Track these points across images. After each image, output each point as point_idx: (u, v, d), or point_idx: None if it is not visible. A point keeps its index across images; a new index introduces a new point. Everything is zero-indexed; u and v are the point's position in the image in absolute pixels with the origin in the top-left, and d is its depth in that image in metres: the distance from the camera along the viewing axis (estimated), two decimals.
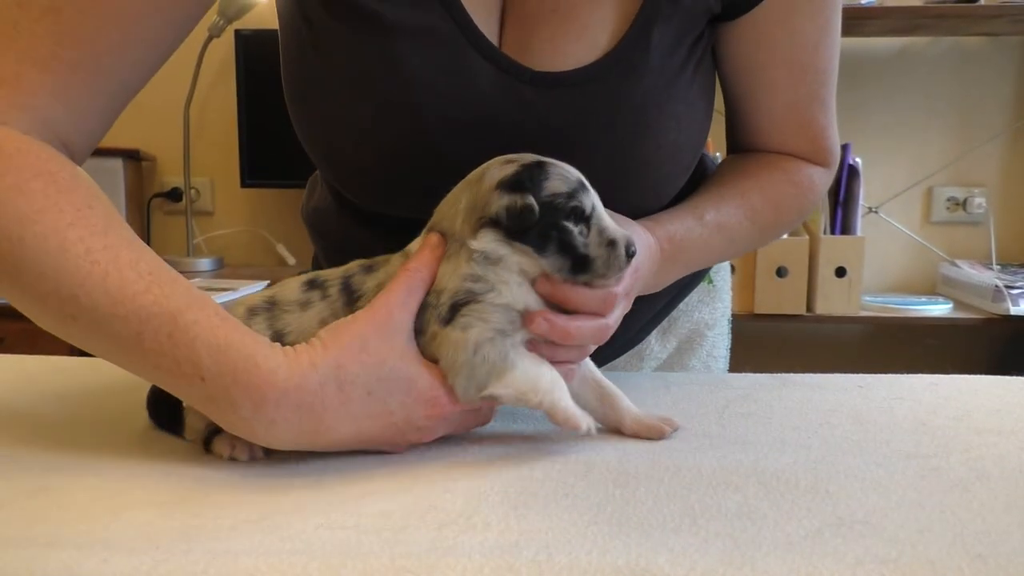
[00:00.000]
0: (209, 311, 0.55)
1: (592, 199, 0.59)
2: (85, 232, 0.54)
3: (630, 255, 0.59)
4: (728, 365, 0.98)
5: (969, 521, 0.48)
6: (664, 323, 0.91)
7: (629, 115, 0.70)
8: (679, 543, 0.46)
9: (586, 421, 0.59)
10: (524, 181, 0.57)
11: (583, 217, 0.58)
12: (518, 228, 0.57)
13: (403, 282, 0.58)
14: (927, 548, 0.45)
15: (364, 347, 0.55)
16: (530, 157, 0.59)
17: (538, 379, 0.58)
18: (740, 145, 0.84)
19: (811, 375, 0.82)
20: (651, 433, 0.63)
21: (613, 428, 0.65)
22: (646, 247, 0.70)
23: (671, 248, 0.73)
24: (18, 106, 0.58)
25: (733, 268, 1.52)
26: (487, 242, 0.57)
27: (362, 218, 0.78)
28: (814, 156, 0.82)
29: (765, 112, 0.80)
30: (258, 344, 0.55)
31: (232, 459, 0.59)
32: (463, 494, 0.53)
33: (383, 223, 0.75)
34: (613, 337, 0.63)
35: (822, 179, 0.83)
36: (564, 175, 0.59)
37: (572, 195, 0.58)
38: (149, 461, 0.59)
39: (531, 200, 0.56)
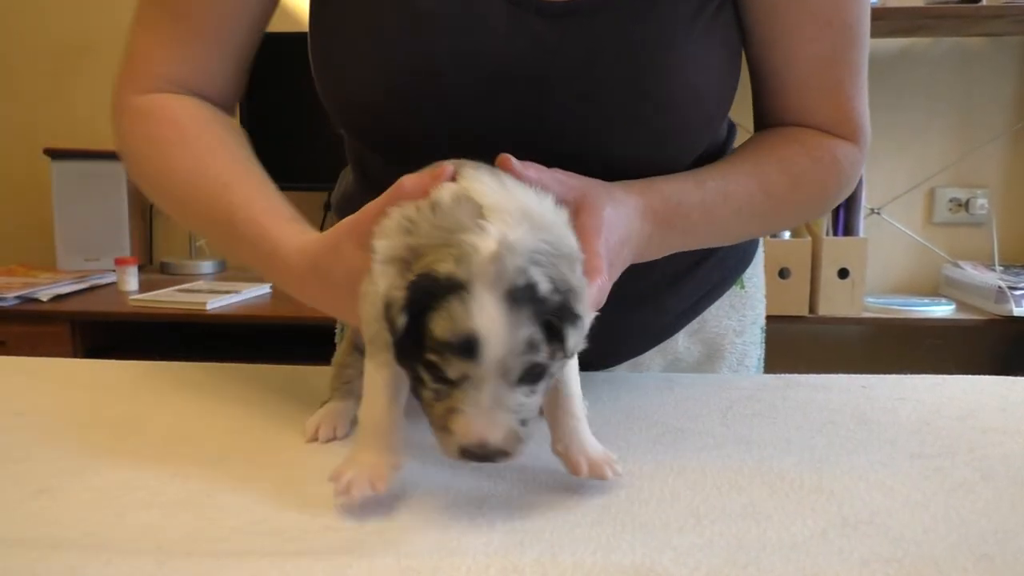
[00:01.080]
0: (256, 211, 0.67)
1: (471, 370, 0.46)
2: (203, 165, 0.71)
3: (474, 456, 0.48)
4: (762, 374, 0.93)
5: (974, 521, 0.48)
6: (694, 325, 0.87)
7: (641, 51, 0.68)
8: (684, 543, 0.46)
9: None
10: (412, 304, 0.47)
11: (442, 379, 0.47)
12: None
13: (389, 195, 0.56)
14: (932, 548, 0.45)
15: (337, 248, 0.59)
16: (444, 272, 0.46)
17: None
18: (763, 118, 0.80)
19: (814, 376, 0.82)
20: (576, 470, 0.54)
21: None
22: (632, 210, 0.64)
23: (666, 211, 0.67)
24: (161, 76, 0.75)
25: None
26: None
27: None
28: (839, 127, 0.76)
29: (787, 70, 0.75)
30: (280, 239, 0.65)
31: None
32: (467, 495, 0.53)
33: None
34: (641, 328, 0.63)
35: (848, 156, 0.76)
36: (454, 317, 0.46)
37: (444, 347, 0.46)
38: (152, 463, 0.59)
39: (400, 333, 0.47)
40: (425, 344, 0.46)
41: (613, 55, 0.68)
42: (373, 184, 0.82)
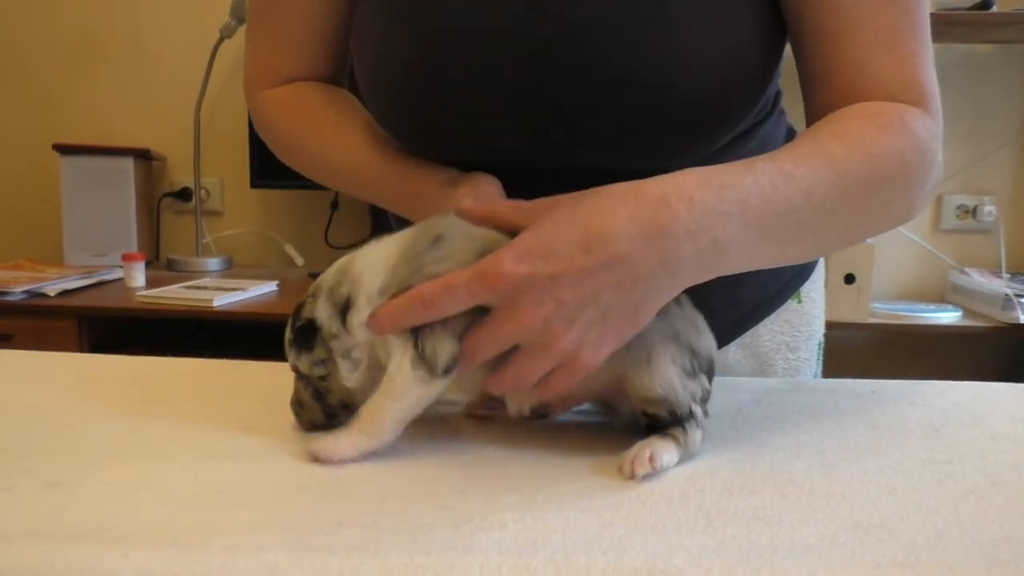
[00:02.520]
0: (393, 168, 0.76)
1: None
2: (322, 139, 0.80)
3: None
4: None
5: (987, 527, 0.48)
6: (746, 338, 0.84)
7: (659, 13, 0.64)
8: (695, 544, 0.46)
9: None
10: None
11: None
12: None
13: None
14: (945, 553, 0.45)
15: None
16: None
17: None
18: (812, 96, 0.70)
19: (823, 380, 0.82)
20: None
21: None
22: (613, 202, 0.54)
23: (702, 194, 0.55)
24: (266, 74, 0.84)
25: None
26: None
27: None
28: (904, 92, 0.65)
29: (838, 20, 0.65)
30: (423, 186, 0.73)
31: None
32: (478, 495, 0.53)
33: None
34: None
35: (920, 123, 0.64)
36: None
37: None
38: (164, 458, 0.59)
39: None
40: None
41: (615, 11, 0.65)
42: None
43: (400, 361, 0.57)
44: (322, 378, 0.61)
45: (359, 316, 0.59)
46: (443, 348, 0.56)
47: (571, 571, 0.43)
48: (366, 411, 0.59)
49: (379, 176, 0.77)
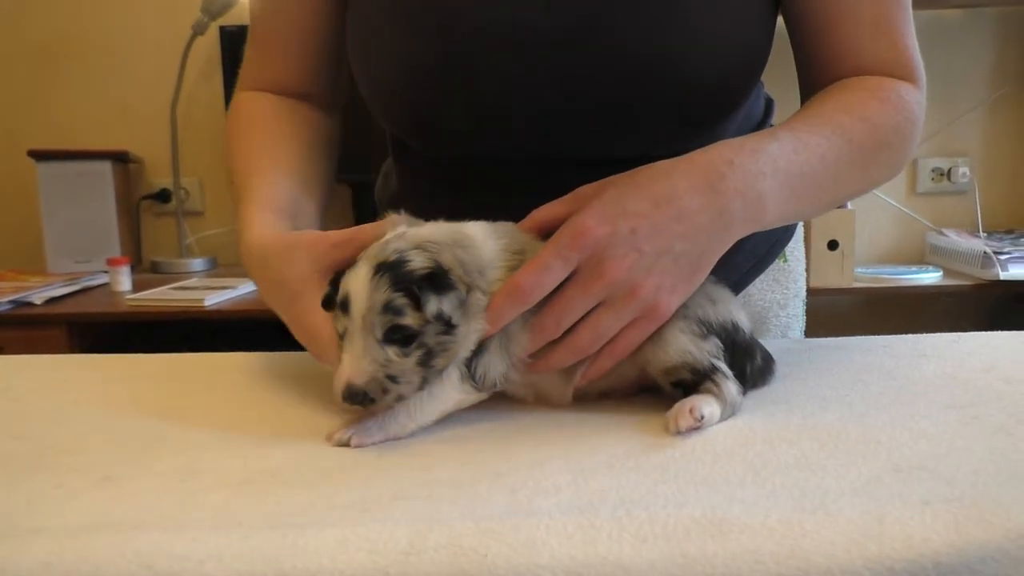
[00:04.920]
0: (255, 197, 0.73)
1: (348, 323, 0.58)
2: (243, 155, 0.80)
3: (345, 397, 0.57)
4: None
5: (1021, 461, 0.50)
6: (740, 298, 0.85)
7: (665, 6, 0.67)
8: (748, 495, 0.47)
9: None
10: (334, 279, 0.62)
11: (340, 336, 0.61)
12: None
13: (348, 234, 0.63)
14: (987, 487, 0.47)
15: (292, 253, 0.64)
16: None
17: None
18: (812, 77, 0.76)
19: (835, 338, 0.84)
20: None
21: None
22: (666, 172, 0.60)
23: (740, 158, 0.61)
24: (264, 82, 0.86)
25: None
26: None
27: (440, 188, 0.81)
28: (897, 68, 0.73)
29: (836, 8, 0.72)
30: (252, 225, 0.70)
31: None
32: (526, 461, 0.54)
33: (453, 175, 0.79)
34: None
35: (912, 97, 0.73)
36: (342, 283, 0.60)
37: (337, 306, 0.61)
38: (207, 449, 0.59)
39: None
40: None
41: (641, 13, 0.68)
42: (415, 175, 0.83)
43: (451, 370, 0.60)
44: (449, 329, 0.57)
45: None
46: (494, 369, 0.61)
47: (635, 526, 0.44)
48: (406, 406, 0.60)
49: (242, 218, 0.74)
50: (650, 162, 0.63)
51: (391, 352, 0.57)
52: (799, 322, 0.94)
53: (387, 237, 0.60)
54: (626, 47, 0.68)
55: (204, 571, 0.43)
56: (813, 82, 0.77)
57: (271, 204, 0.73)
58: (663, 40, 0.68)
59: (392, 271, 0.57)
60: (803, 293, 0.95)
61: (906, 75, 0.74)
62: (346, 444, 0.58)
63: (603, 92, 0.70)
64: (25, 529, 0.46)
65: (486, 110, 0.72)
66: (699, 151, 0.62)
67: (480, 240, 0.61)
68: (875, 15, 0.73)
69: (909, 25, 0.75)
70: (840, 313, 2.45)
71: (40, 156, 2.25)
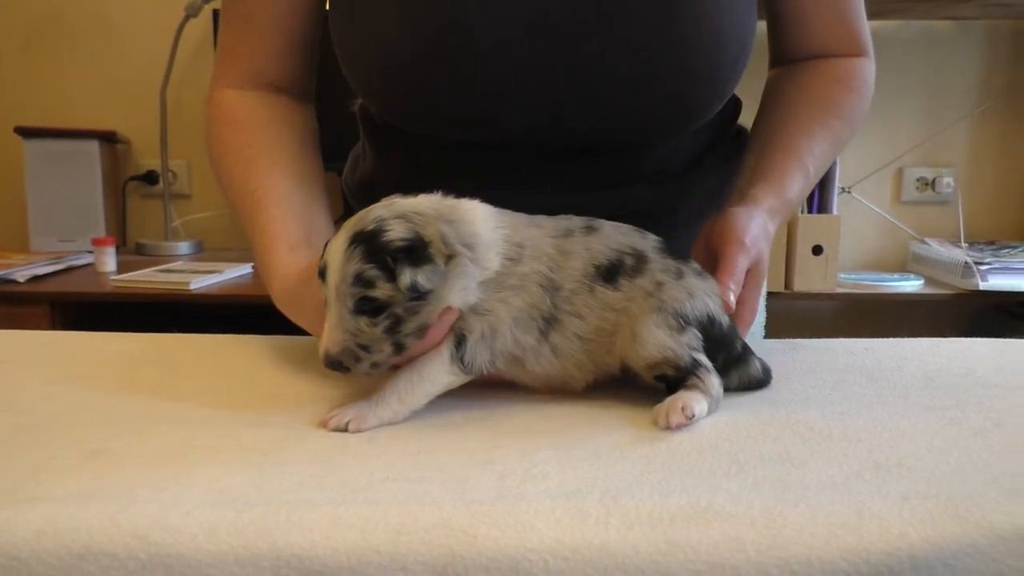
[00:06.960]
0: (269, 236, 0.77)
1: (326, 293, 0.60)
2: (241, 166, 0.81)
3: (325, 363, 0.60)
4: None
5: (995, 463, 0.52)
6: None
7: None
8: (732, 486, 0.49)
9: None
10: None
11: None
12: None
13: None
14: (963, 486, 0.48)
15: (310, 282, 0.68)
16: None
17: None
18: (783, 53, 0.89)
19: (819, 340, 0.86)
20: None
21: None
22: (762, 213, 0.76)
23: (781, 205, 0.78)
24: (240, 71, 0.85)
25: None
26: None
27: (410, 167, 0.83)
28: (854, 47, 0.87)
29: (804, 4, 0.86)
30: (275, 267, 0.75)
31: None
32: (516, 450, 0.55)
33: (432, 161, 0.81)
34: None
35: (868, 69, 0.88)
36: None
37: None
38: (199, 425, 0.60)
39: None
40: None
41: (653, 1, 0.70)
42: (393, 161, 0.84)
43: (441, 350, 0.61)
44: (419, 297, 0.58)
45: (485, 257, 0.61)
46: (480, 358, 0.62)
47: (621, 512, 0.45)
48: (395, 389, 0.61)
49: (249, 227, 0.80)
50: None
51: (362, 323, 0.58)
52: (760, 317, 1.00)
53: (374, 205, 0.61)
54: (638, 32, 0.70)
55: (198, 544, 0.43)
56: (781, 59, 0.90)
57: (287, 241, 0.76)
58: (672, 26, 0.71)
59: (367, 242, 0.57)
60: (763, 289, 1.00)
61: (859, 49, 0.88)
62: (344, 430, 0.59)
63: (615, 79, 0.72)
64: (19, 498, 0.47)
65: (495, 92, 0.73)
66: (753, 196, 0.78)
67: (478, 219, 0.62)
68: (835, 8, 0.87)
69: (861, 6, 0.89)
70: (822, 317, 2.48)
71: (27, 133, 2.23)
